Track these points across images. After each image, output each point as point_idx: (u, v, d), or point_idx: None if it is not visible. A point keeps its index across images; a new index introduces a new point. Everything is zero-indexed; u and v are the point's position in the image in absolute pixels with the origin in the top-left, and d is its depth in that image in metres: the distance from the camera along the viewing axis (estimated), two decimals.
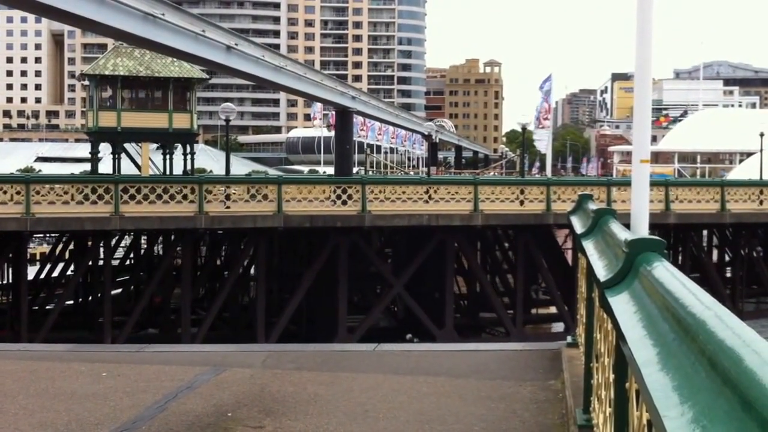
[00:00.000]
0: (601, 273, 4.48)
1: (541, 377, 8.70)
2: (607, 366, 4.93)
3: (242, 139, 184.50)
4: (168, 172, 49.50)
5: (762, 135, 62.58)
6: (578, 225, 7.73)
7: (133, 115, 47.18)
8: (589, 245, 6.27)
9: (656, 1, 9.04)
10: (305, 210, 38.28)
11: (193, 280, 45.20)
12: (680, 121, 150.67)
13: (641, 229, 8.85)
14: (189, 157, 48.97)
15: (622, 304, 3.54)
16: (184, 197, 36.65)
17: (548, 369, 8.94)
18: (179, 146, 49.93)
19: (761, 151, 62.10)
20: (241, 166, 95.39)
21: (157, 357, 10.45)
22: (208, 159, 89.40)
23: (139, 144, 49.56)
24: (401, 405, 8.03)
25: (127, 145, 49.17)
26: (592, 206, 8.03)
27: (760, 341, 1.88)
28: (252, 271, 46.39)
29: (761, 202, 45.18)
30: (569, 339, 9.57)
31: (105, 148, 51.39)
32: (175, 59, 44.78)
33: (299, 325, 43.17)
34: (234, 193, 38.44)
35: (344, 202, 38.69)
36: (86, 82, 49.39)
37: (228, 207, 37.68)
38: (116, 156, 48.74)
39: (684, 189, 45.66)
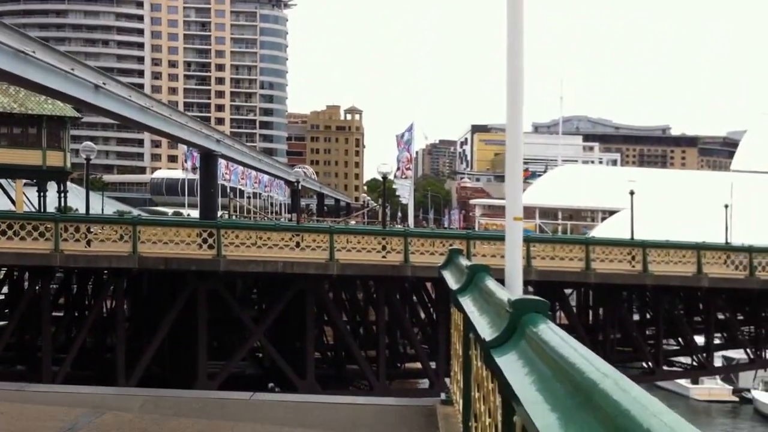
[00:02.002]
0: (486, 332, 4.39)
1: None
2: (488, 426, 4.85)
3: (107, 178, 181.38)
4: (42, 209, 48.93)
5: (632, 193, 60.64)
6: (452, 280, 7.88)
7: (7, 152, 46.62)
8: (467, 302, 6.28)
9: (524, 59, 9.19)
10: (160, 252, 37.99)
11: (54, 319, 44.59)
12: (540, 175, 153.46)
13: (516, 286, 9.16)
14: (62, 195, 48.60)
15: (511, 364, 3.46)
16: (41, 234, 36.25)
17: (424, 426, 9.23)
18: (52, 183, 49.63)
19: (632, 208, 60.34)
20: (106, 206, 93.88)
21: (40, 396, 10.52)
22: (74, 197, 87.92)
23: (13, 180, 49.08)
24: None
25: (3, 181, 48.57)
26: (464, 261, 8.25)
27: (660, 406, 1.98)
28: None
29: (631, 261, 43.84)
30: (443, 396, 9.71)
31: None
32: (48, 97, 44.42)
33: (161, 367, 42.54)
34: (94, 233, 38.11)
35: (203, 246, 38.51)
36: None
37: (88, 245, 37.32)
38: None
39: (546, 246, 45.13)
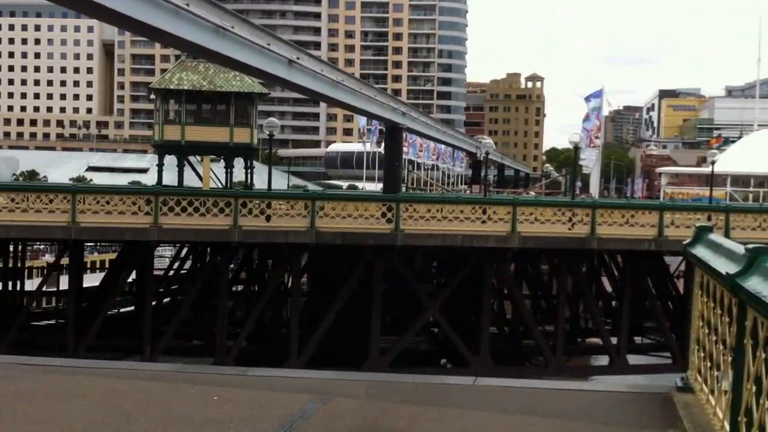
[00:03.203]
0: None
1: (656, 425, 8.54)
2: None
3: (282, 152, 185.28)
4: (228, 186, 50.28)
5: None
6: (720, 263, 7.36)
7: (196, 129, 47.88)
8: (755, 287, 5.75)
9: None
10: (338, 227, 38.14)
11: (233, 294, 45.84)
12: (733, 142, 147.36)
13: None
14: (249, 171, 49.64)
15: None
16: (220, 210, 37.01)
17: (662, 416, 8.73)
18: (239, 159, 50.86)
19: None
20: (281, 180, 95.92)
21: (262, 382, 10.49)
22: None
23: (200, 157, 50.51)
24: None
25: (191, 158, 50.07)
26: (727, 241, 7.68)
27: None
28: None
29: None
30: (679, 383, 9.28)
31: (155, 159, 52.44)
32: (237, 74, 45.31)
33: (333, 342, 42.99)
34: (273, 208, 38.64)
35: (381, 220, 38.54)
36: (152, 96, 50.27)
37: (267, 220, 37.91)
38: (180, 168, 49.43)
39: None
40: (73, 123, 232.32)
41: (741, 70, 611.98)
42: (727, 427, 6.35)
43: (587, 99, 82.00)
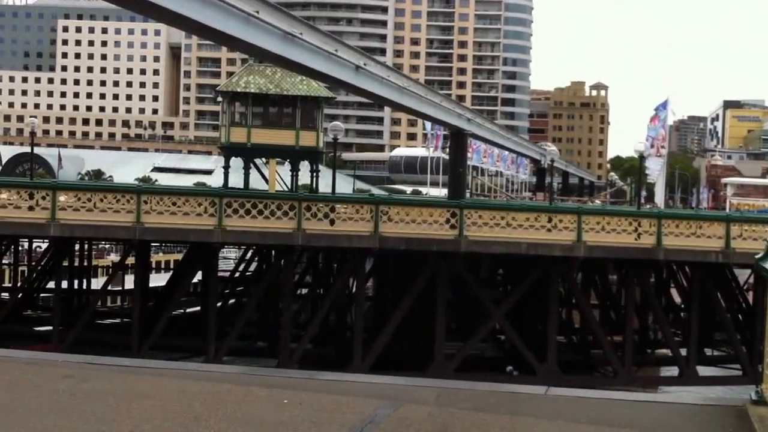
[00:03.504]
0: None
1: None
2: None
3: (346, 156, 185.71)
4: (293, 189, 50.54)
5: None
6: None
7: (262, 132, 48.23)
8: None
9: None
10: (401, 232, 38.02)
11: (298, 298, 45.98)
12: None
13: None
14: (315, 174, 49.84)
15: None
16: (284, 213, 37.07)
17: (737, 429, 8.59)
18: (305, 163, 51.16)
19: None
20: (345, 184, 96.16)
21: (331, 386, 10.47)
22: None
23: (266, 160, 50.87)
24: None
25: (257, 160, 50.45)
26: None
27: None
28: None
29: None
30: (754, 396, 9.09)
31: (220, 161, 53.04)
32: (303, 78, 45.54)
33: (398, 347, 42.77)
34: (337, 212, 38.60)
35: (445, 225, 38.30)
36: (219, 99, 50.79)
37: (331, 224, 37.88)
38: (246, 170, 49.80)
39: None
40: (138, 123, 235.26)
41: None
42: None
43: (656, 109, 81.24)
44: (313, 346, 43.02)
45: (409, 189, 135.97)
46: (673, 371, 45.40)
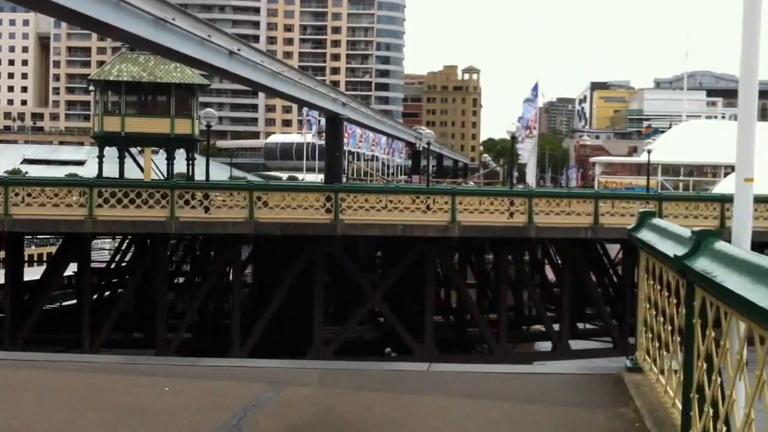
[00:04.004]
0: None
1: (609, 404, 8.62)
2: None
3: (220, 143, 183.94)
4: (169, 177, 49.84)
5: None
6: (667, 246, 7.44)
7: (136, 120, 47.42)
8: (703, 268, 6.06)
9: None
10: (277, 217, 37.96)
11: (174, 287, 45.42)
12: (662, 132, 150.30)
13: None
14: (190, 162, 49.28)
15: None
16: (157, 202, 36.68)
17: (614, 395, 8.84)
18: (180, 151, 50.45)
19: None
20: (221, 171, 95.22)
21: (212, 372, 10.34)
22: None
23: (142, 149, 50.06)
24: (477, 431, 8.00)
25: (132, 149, 49.58)
26: (670, 225, 7.80)
27: None
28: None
29: None
30: (629, 363, 9.39)
31: (93, 151, 51.95)
32: (177, 65, 44.95)
33: (277, 333, 42.70)
34: (211, 199, 38.33)
35: (321, 210, 38.39)
36: (91, 88, 49.77)
37: (206, 212, 37.62)
38: (121, 159, 48.90)
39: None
40: (7, 115, 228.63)
41: (669, 63, 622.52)
42: (679, 404, 6.41)
43: (533, 94, 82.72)
44: (192, 335, 42.65)
45: (285, 175, 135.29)
46: (547, 346, 46.47)
